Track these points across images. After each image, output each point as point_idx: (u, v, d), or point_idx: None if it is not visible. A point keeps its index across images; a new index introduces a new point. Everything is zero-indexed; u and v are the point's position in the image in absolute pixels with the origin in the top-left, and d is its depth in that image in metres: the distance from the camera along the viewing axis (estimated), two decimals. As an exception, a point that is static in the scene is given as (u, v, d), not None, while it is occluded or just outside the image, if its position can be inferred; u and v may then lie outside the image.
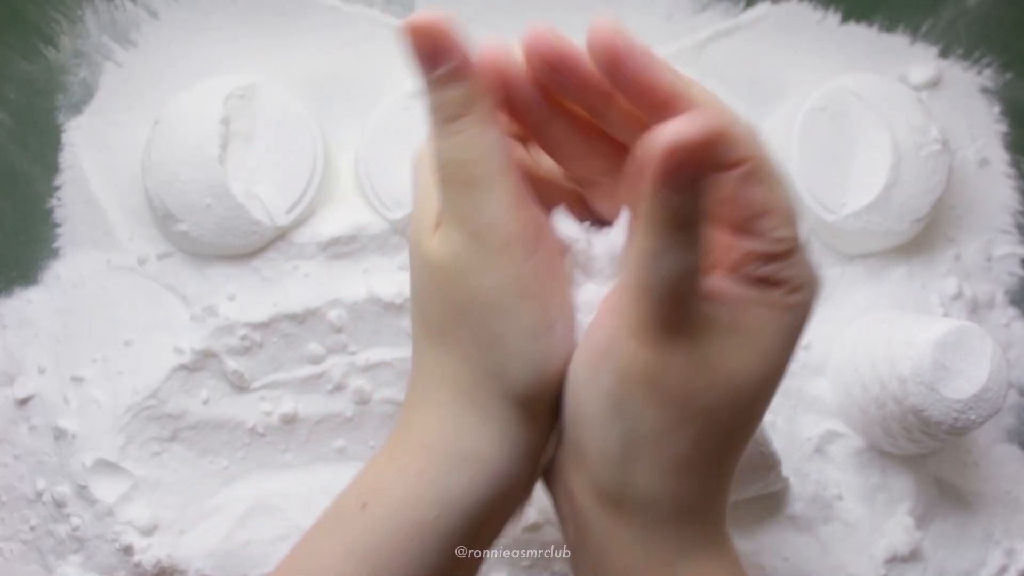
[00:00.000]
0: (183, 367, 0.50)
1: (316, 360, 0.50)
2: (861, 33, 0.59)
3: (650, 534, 0.33)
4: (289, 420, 0.50)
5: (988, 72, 0.59)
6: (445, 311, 0.33)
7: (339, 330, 0.50)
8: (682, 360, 0.30)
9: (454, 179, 0.32)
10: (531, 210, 0.33)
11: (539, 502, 0.50)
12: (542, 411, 0.34)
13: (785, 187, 0.30)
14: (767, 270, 0.30)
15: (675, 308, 0.29)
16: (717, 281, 0.30)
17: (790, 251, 0.30)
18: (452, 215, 0.32)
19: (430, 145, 0.32)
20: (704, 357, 0.30)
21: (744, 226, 0.30)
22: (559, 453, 0.35)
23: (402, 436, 0.35)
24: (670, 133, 0.26)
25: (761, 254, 0.30)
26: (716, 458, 0.33)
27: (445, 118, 0.31)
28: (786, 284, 0.30)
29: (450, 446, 0.33)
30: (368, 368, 0.50)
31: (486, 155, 0.31)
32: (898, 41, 0.59)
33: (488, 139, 0.31)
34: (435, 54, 0.30)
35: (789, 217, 0.30)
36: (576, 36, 0.59)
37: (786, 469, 0.52)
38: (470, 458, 0.33)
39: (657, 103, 0.30)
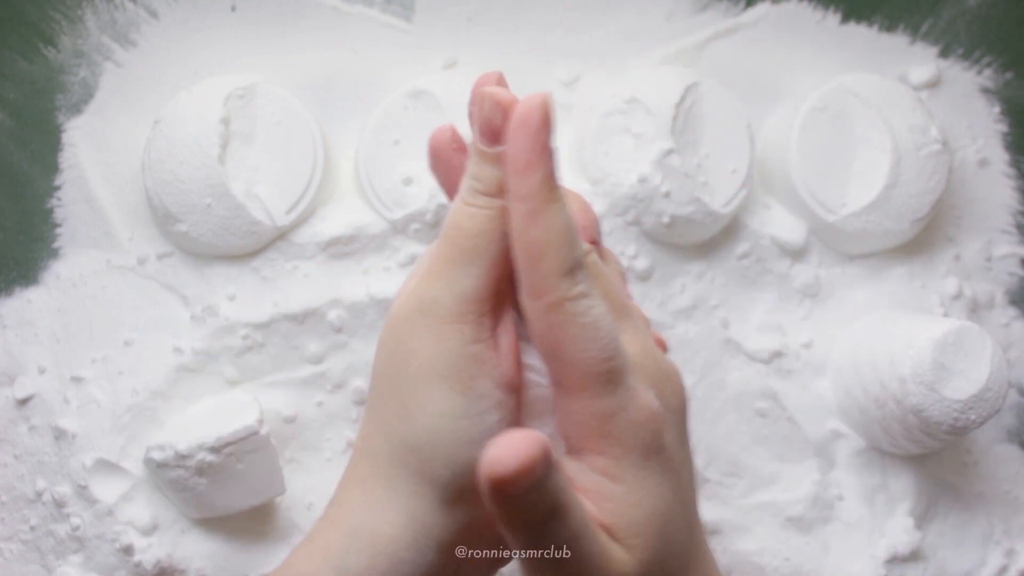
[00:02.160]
0: (183, 367, 0.50)
1: (316, 360, 0.50)
2: (861, 33, 0.59)
3: None
4: (289, 420, 0.50)
5: (988, 72, 0.59)
6: (383, 374, 0.33)
7: (339, 330, 0.50)
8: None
9: (451, 241, 0.32)
10: (500, 305, 0.33)
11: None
12: (458, 501, 0.32)
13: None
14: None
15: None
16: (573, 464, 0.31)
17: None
18: (431, 271, 0.33)
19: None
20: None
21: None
22: None
23: (325, 511, 0.35)
24: (488, 465, 0.26)
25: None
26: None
27: (477, 189, 0.32)
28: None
29: (354, 523, 0.33)
30: (368, 368, 0.50)
31: (490, 238, 0.32)
32: (898, 41, 0.59)
33: (498, 226, 0.32)
34: (499, 132, 0.31)
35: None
36: (574, 35, 0.59)
37: (787, 469, 0.53)
38: (371, 538, 0.32)
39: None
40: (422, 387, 0.32)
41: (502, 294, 0.33)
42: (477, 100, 0.32)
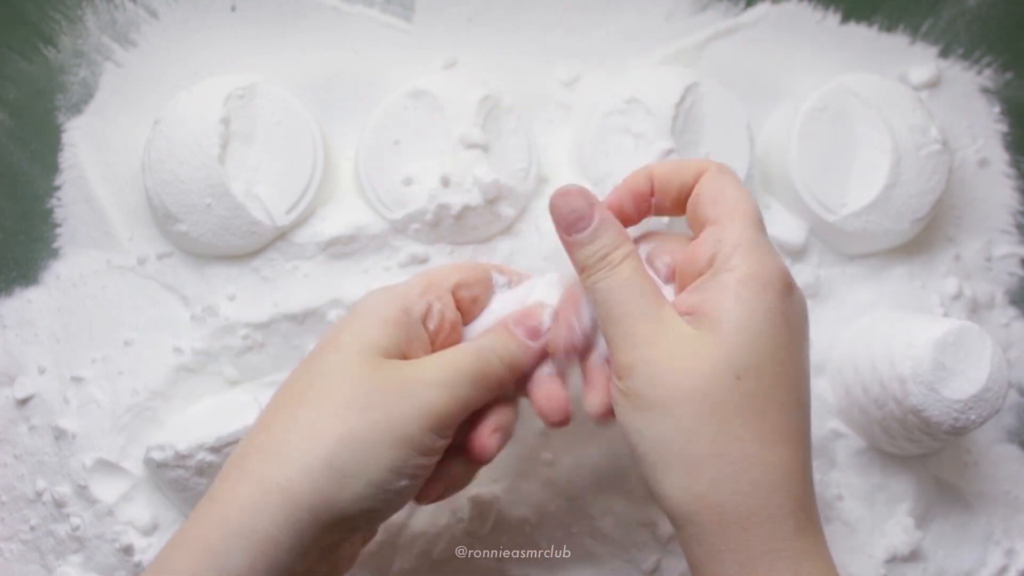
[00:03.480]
0: (183, 367, 0.50)
1: (316, 360, 0.50)
2: (861, 33, 0.59)
3: (721, 542, 0.35)
4: (289, 420, 0.50)
5: (988, 72, 0.59)
6: (346, 399, 0.37)
7: (339, 330, 0.50)
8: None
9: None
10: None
11: (531, 502, 0.50)
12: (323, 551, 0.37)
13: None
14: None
15: None
16: (685, 297, 0.38)
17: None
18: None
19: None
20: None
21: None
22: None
23: (202, 502, 0.37)
24: None
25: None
26: (767, 445, 0.35)
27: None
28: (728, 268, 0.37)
29: (235, 523, 0.35)
30: (368, 368, 0.50)
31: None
32: (898, 41, 0.59)
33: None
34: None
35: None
36: (574, 35, 0.59)
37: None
38: (252, 538, 0.35)
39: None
40: (386, 437, 0.36)
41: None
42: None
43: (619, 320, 0.37)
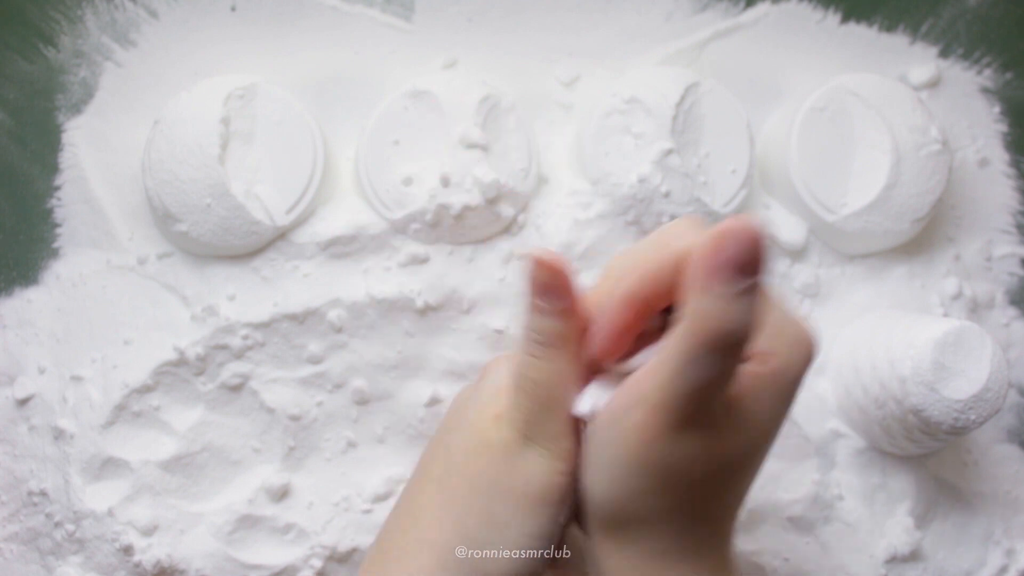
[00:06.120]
0: (183, 367, 0.50)
1: (316, 360, 0.50)
2: (861, 33, 0.59)
3: (647, 567, 0.35)
4: (289, 420, 0.50)
5: (988, 72, 0.60)
6: (472, 478, 0.37)
7: (339, 330, 0.50)
8: (690, 450, 0.33)
9: (528, 393, 0.36)
10: (575, 436, 0.37)
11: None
12: None
13: None
14: None
15: (698, 411, 0.32)
16: None
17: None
18: (517, 418, 0.37)
19: (516, 354, 0.37)
20: (707, 446, 0.33)
21: None
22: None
23: None
24: (730, 224, 0.29)
25: None
26: (710, 518, 0.36)
27: (538, 342, 0.36)
28: (756, 356, 0.34)
29: None
30: (368, 368, 0.50)
31: (562, 386, 0.36)
32: (898, 41, 0.59)
33: (568, 373, 0.36)
34: (550, 290, 0.35)
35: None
36: (574, 35, 0.59)
37: (787, 469, 0.53)
38: None
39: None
40: (516, 508, 0.36)
41: (571, 425, 0.37)
42: (528, 262, 0.35)
43: None
